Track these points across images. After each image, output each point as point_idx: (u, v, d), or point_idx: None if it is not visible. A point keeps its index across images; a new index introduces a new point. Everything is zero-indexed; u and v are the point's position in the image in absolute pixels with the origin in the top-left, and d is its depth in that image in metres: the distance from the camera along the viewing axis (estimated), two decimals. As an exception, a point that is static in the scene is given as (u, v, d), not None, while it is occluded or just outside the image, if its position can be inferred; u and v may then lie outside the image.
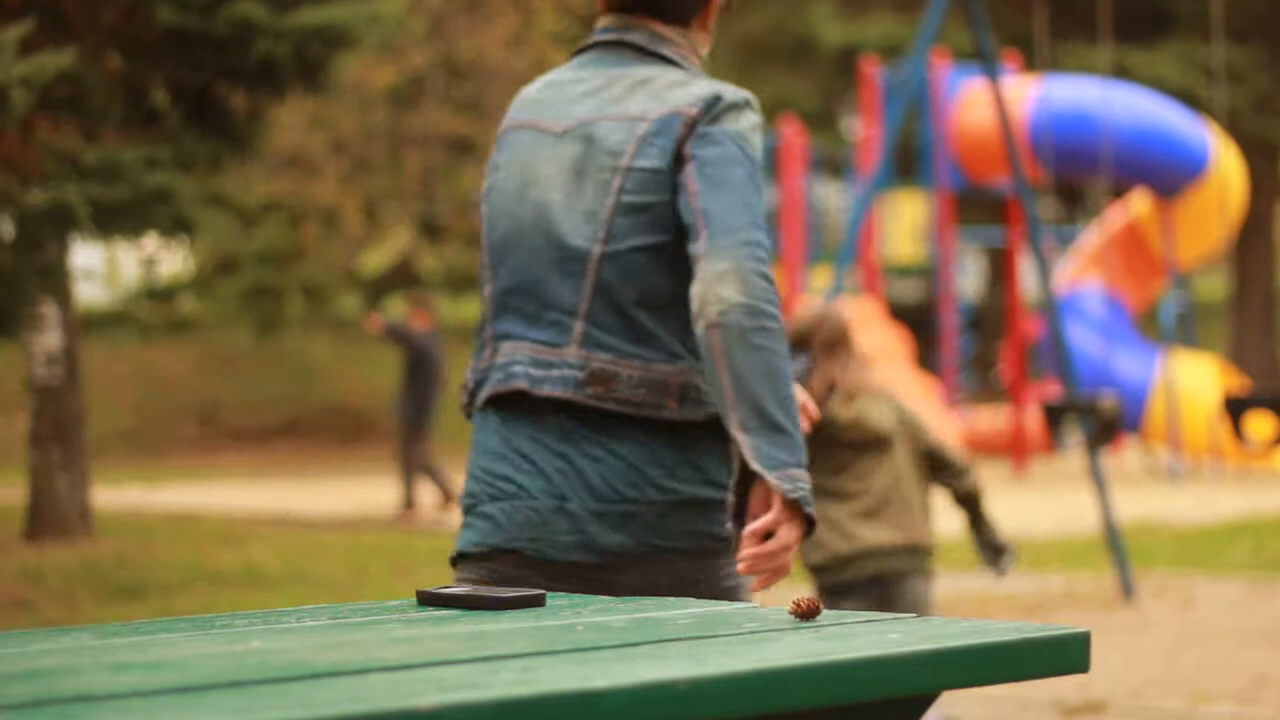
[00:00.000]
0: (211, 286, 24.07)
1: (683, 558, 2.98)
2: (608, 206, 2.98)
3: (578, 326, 2.98)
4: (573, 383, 2.97)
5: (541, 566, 2.97)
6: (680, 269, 2.96)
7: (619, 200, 2.98)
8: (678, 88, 3.01)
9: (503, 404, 3.03)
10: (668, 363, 2.98)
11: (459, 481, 14.75)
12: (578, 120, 3.04)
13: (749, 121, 2.99)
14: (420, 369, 14.83)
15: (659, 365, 2.98)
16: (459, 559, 3.06)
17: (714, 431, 3.00)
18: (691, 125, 2.96)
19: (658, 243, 2.97)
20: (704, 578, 2.99)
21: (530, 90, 3.13)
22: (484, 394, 3.06)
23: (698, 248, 2.90)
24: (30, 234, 8.15)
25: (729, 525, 3.00)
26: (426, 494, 15.41)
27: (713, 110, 2.97)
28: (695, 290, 2.88)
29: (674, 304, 2.98)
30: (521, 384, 3.00)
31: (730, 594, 3.01)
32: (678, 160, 2.96)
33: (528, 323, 3.02)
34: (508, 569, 3.00)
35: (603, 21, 3.13)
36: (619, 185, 2.98)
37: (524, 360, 3.01)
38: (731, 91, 3.00)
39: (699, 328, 2.87)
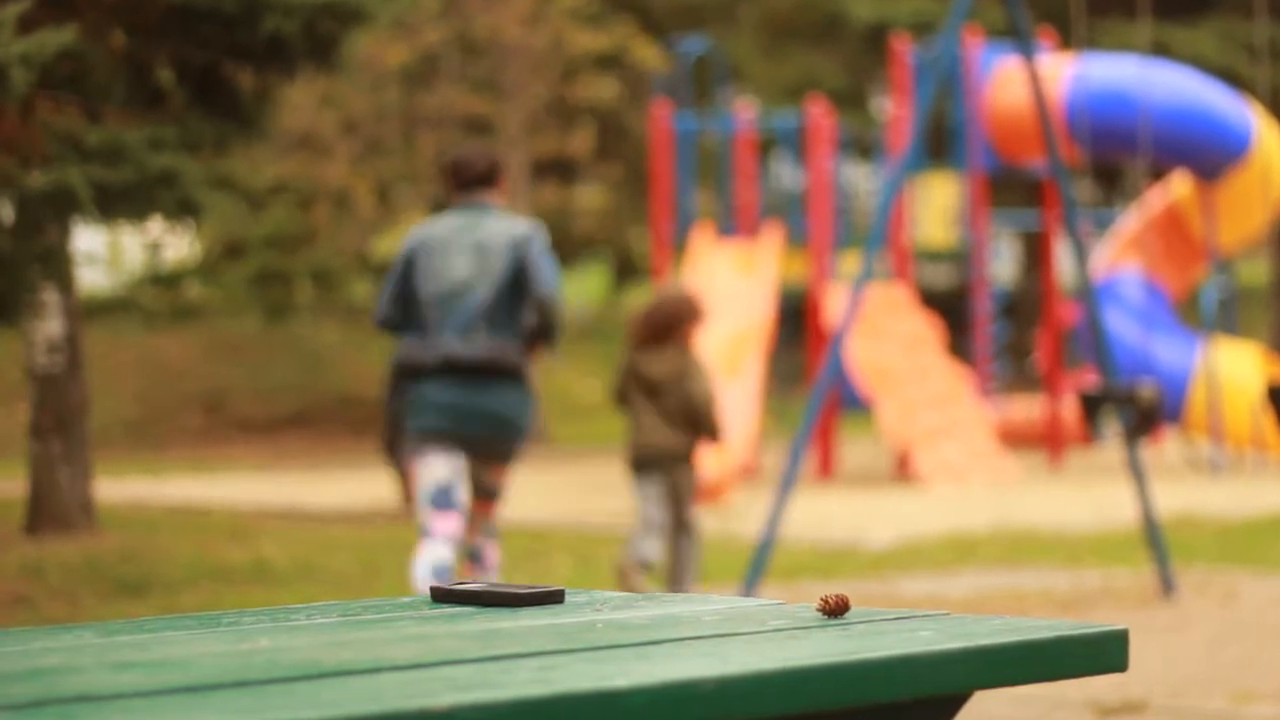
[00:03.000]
0: (218, 272, 23.87)
1: (513, 442, 7.27)
2: (496, 280, 7.09)
3: (483, 327, 7.10)
4: (485, 353, 7.09)
5: (464, 439, 7.14)
6: (521, 299, 7.14)
7: (500, 276, 7.10)
8: (510, 222, 7.25)
9: (442, 369, 7.10)
10: (518, 344, 7.15)
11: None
12: (473, 241, 7.14)
13: (542, 233, 7.26)
14: None
15: (516, 344, 7.14)
16: (428, 435, 7.19)
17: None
18: (527, 242, 7.13)
19: (516, 290, 7.15)
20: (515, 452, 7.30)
21: (435, 227, 7.29)
22: (431, 363, 7.11)
23: (537, 291, 7.13)
24: (31, 217, 8.16)
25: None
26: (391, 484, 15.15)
27: (531, 236, 7.16)
28: (535, 307, 7.16)
29: (519, 316, 7.15)
30: (457, 355, 7.08)
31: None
32: (524, 256, 7.12)
33: (455, 328, 7.12)
34: (448, 442, 7.14)
35: (459, 195, 7.26)
36: (500, 270, 7.11)
37: (456, 345, 7.11)
38: (532, 223, 7.34)
39: (534, 325, 7.18)
